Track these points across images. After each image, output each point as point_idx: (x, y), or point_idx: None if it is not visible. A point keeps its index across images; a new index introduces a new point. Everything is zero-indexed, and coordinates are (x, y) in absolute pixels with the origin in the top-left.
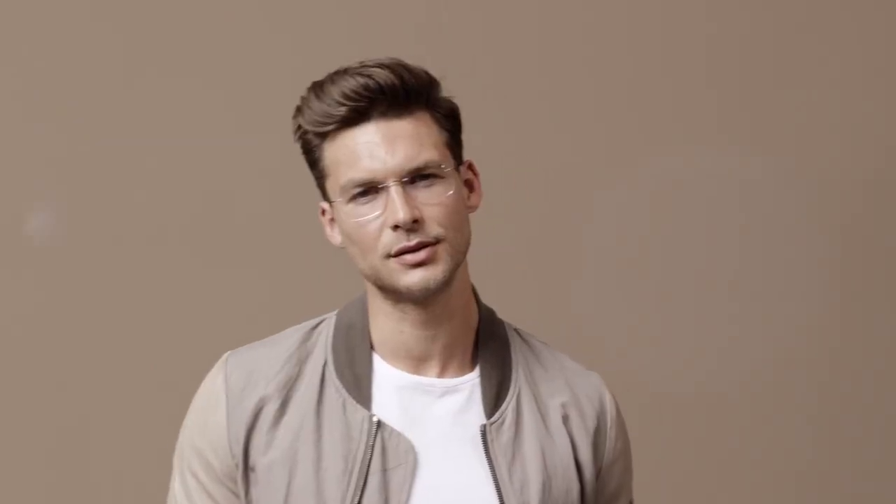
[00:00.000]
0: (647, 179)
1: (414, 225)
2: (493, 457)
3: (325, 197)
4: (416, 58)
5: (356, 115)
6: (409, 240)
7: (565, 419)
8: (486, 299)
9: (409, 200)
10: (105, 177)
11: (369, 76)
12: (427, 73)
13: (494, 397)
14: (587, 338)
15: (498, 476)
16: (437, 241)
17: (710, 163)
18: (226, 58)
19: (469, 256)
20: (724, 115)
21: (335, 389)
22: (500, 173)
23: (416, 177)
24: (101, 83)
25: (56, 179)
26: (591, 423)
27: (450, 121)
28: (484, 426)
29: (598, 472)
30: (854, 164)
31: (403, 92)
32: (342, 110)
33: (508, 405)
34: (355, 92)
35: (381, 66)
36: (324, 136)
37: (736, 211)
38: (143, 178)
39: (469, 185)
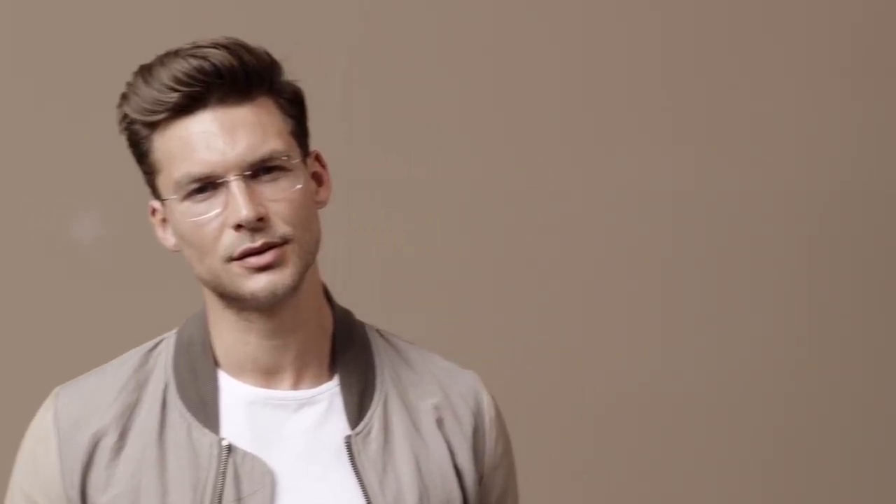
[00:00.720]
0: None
1: (258, 224)
2: (361, 470)
3: (156, 195)
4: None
5: (190, 102)
6: (253, 241)
7: (439, 422)
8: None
9: (252, 196)
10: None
11: (204, 57)
12: (268, 54)
13: (357, 405)
14: (548, 343)
15: (368, 491)
16: (284, 242)
17: (669, 168)
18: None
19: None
20: (690, 119)
21: (179, 414)
22: (465, 178)
23: (260, 170)
24: None
25: (101, 183)
26: (468, 425)
27: (295, 107)
28: (348, 437)
29: (481, 478)
30: (822, 170)
31: (243, 75)
32: (174, 96)
33: (374, 412)
34: (188, 75)
35: (216, 46)
36: (153, 125)
37: (693, 217)
38: None
39: (317, 179)
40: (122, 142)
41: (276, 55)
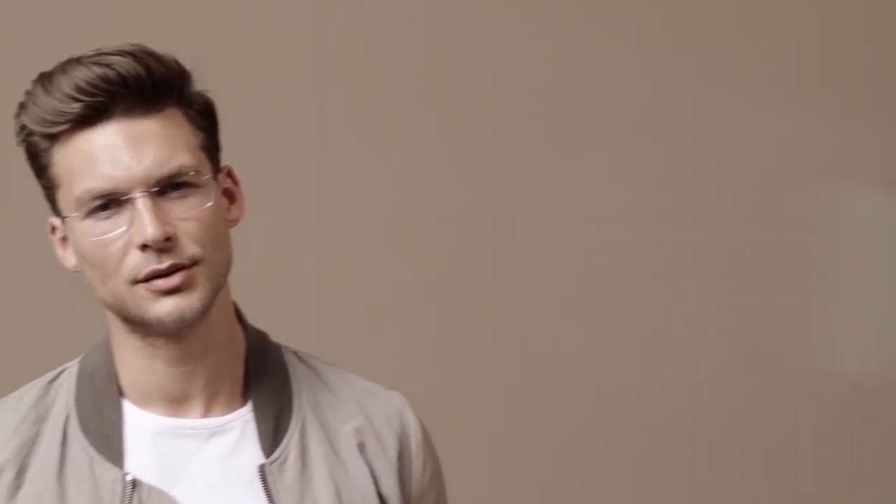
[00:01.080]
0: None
1: (166, 244)
2: (276, 500)
3: (56, 211)
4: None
5: (93, 113)
6: (160, 262)
7: (361, 447)
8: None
9: (159, 215)
10: None
11: (108, 65)
12: (178, 62)
13: (273, 432)
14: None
15: None
16: (193, 263)
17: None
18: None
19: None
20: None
21: (81, 448)
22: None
23: (168, 186)
24: None
25: None
26: (393, 449)
27: (205, 119)
28: (262, 466)
29: None
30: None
31: (151, 84)
32: (76, 107)
33: (291, 439)
34: (91, 84)
35: (122, 53)
36: (54, 137)
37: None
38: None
39: (229, 196)
40: None
41: (186, 63)
